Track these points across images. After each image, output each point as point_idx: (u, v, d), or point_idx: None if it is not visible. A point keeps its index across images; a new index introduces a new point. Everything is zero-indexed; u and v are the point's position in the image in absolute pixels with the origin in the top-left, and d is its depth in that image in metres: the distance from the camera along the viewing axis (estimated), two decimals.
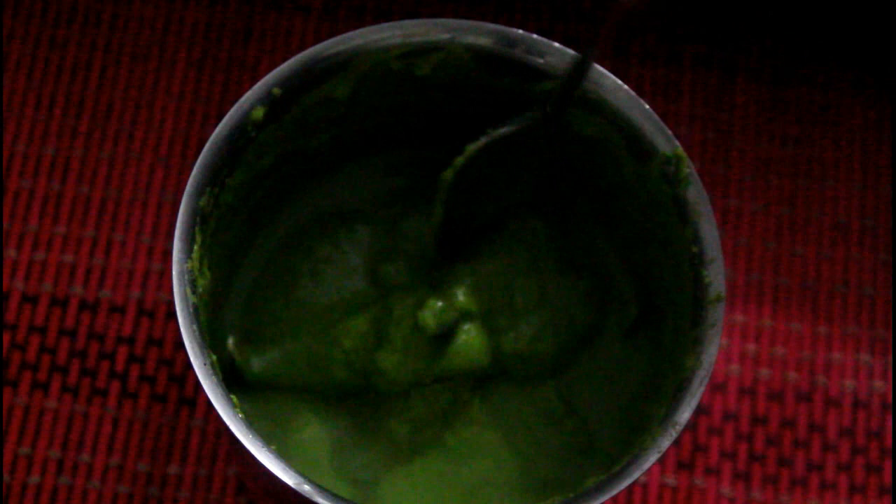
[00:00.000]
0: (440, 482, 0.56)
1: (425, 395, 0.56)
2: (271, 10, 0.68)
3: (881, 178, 0.67)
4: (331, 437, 0.56)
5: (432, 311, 0.55)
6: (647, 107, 0.53)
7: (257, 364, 0.56)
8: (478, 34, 0.54)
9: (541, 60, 0.54)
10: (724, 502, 0.62)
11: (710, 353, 0.50)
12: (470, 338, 0.56)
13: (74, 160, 0.65)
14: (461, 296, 0.55)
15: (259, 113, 0.52)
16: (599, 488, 0.48)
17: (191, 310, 0.50)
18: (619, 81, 0.54)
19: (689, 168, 0.53)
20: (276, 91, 0.53)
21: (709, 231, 0.52)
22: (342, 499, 0.48)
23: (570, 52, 0.54)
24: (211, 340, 0.51)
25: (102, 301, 0.63)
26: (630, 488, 0.50)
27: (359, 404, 0.57)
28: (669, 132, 0.53)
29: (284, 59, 0.53)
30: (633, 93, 0.54)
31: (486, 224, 0.58)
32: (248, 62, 0.67)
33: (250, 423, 0.49)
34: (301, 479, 0.48)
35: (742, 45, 0.68)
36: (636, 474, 0.48)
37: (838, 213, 0.66)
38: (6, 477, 0.61)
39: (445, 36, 0.54)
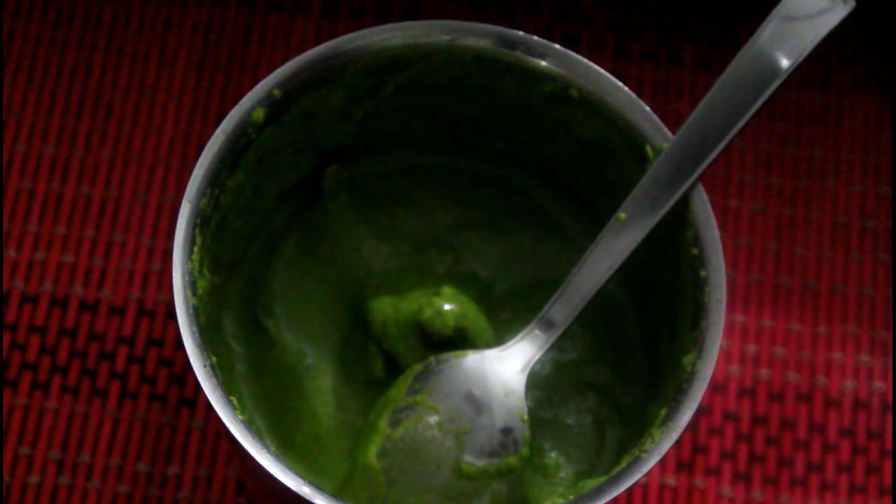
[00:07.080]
0: None
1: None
2: (271, 11, 0.68)
3: (881, 178, 0.67)
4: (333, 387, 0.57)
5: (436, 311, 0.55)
6: (647, 108, 0.53)
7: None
8: (478, 35, 0.54)
9: (541, 62, 0.54)
10: (724, 502, 0.62)
11: (711, 355, 0.50)
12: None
13: (74, 160, 0.65)
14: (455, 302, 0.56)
15: (259, 114, 0.52)
16: (600, 490, 0.48)
17: (191, 311, 0.50)
18: (619, 83, 0.54)
19: None
20: (276, 93, 0.53)
21: (709, 233, 0.52)
22: (341, 500, 0.48)
23: (571, 53, 0.54)
24: (210, 341, 0.51)
25: (102, 301, 0.63)
26: (630, 489, 0.50)
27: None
28: (669, 133, 0.53)
29: (284, 60, 0.53)
30: (632, 94, 0.54)
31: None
32: (248, 62, 0.67)
33: (249, 425, 0.49)
34: (301, 481, 0.48)
35: (741, 45, 0.68)
36: (636, 477, 0.48)
37: (838, 213, 0.66)
38: (6, 477, 0.61)
39: (445, 37, 0.54)
